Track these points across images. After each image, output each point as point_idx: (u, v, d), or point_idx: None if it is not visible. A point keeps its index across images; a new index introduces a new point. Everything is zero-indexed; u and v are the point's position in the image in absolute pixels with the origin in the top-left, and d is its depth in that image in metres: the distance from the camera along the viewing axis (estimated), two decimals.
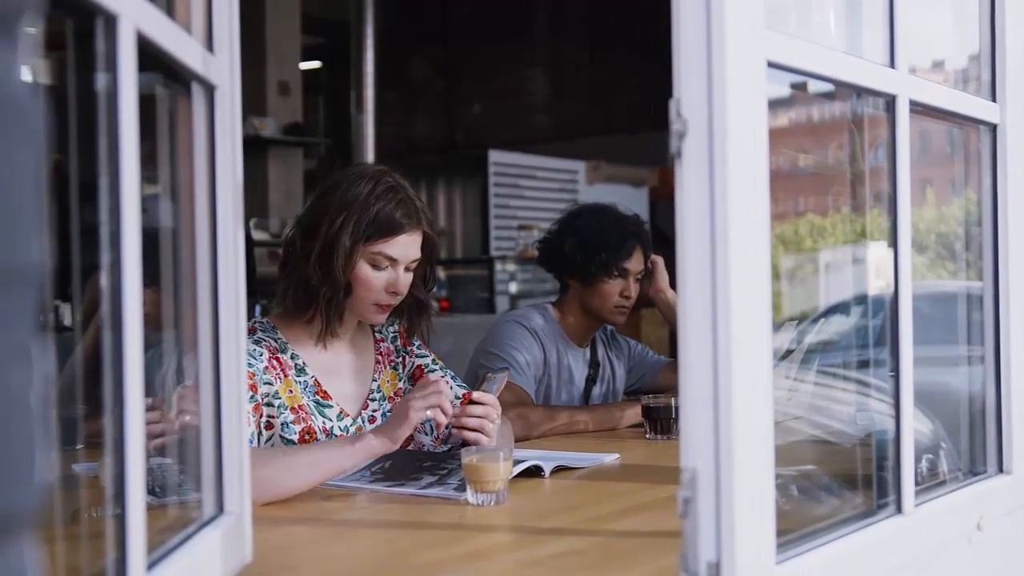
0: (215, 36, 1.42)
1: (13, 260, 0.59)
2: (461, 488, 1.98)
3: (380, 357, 2.48)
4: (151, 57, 1.16)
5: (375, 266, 2.28)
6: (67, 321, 3.19)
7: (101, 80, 1.05)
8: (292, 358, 2.32)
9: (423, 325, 2.47)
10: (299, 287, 2.29)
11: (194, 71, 1.33)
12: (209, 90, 1.40)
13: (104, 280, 1.05)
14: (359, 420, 2.37)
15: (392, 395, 2.45)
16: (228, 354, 1.43)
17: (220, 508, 1.42)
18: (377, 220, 2.25)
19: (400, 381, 2.49)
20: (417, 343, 2.54)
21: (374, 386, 2.43)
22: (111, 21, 1.03)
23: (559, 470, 2.28)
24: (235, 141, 1.44)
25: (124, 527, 1.04)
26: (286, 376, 2.28)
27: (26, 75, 0.61)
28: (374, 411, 2.41)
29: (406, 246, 2.30)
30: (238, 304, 1.44)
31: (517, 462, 2.11)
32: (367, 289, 2.29)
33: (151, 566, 1.13)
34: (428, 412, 2.05)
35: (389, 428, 2.07)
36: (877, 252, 1.91)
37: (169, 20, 1.21)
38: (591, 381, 3.24)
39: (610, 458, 2.45)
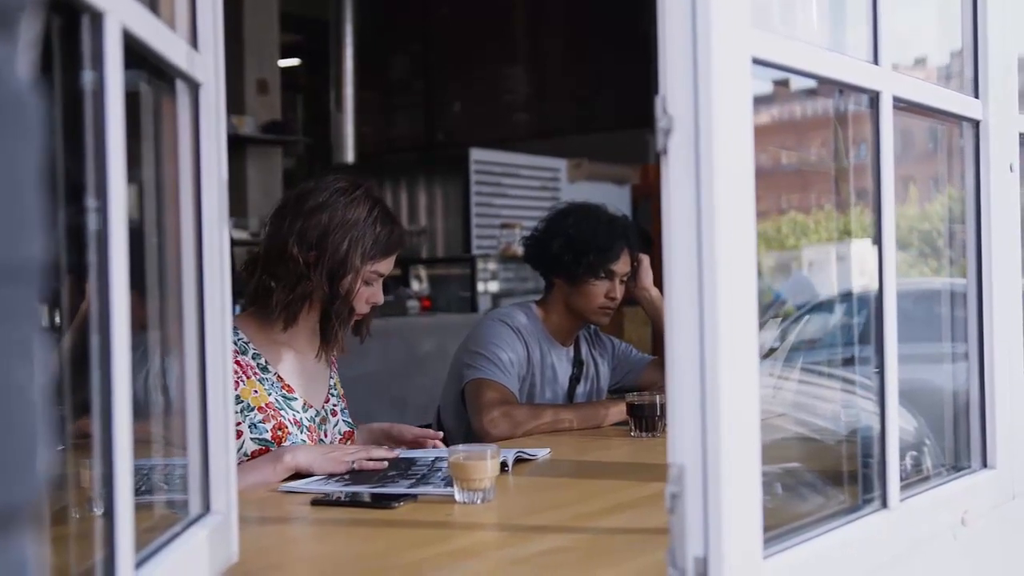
0: (199, 33, 1.41)
1: (16, 256, 0.59)
2: (449, 483, 1.98)
3: (332, 359, 2.60)
4: (135, 54, 1.15)
5: (366, 283, 2.42)
6: (44, 321, 3.18)
7: (87, 77, 1.05)
8: (254, 358, 2.39)
9: (369, 320, 2.54)
10: (301, 301, 2.38)
11: (179, 68, 1.32)
12: (194, 88, 1.39)
13: (91, 280, 1.04)
14: (323, 412, 2.49)
15: (341, 395, 2.61)
16: (214, 354, 1.43)
17: (207, 507, 1.42)
18: (379, 242, 2.40)
19: (341, 387, 2.63)
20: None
21: (331, 383, 2.57)
22: (97, 18, 1.03)
23: (518, 462, 2.33)
24: (220, 139, 1.44)
25: (112, 526, 1.04)
26: (249, 377, 2.36)
27: (25, 72, 0.61)
28: (334, 405, 2.55)
29: (393, 262, 2.48)
30: (224, 303, 1.44)
31: None
32: (356, 304, 2.42)
33: (138, 565, 1.13)
34: (349, 466, 2.22)
35: (318, 455, 2.21)
36: (860, 249, 1.92)
37: (155, 17, 1.21)
38: (575, 380, 3.24)
39: (542, 452, 2.48)
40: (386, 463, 2.24)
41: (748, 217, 1.26)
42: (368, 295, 2.43)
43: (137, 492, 1.14)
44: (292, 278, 2.35)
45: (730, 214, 1.22)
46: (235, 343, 2.35)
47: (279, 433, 2.33)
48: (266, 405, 2.34)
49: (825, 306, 2.68)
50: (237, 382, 2.30)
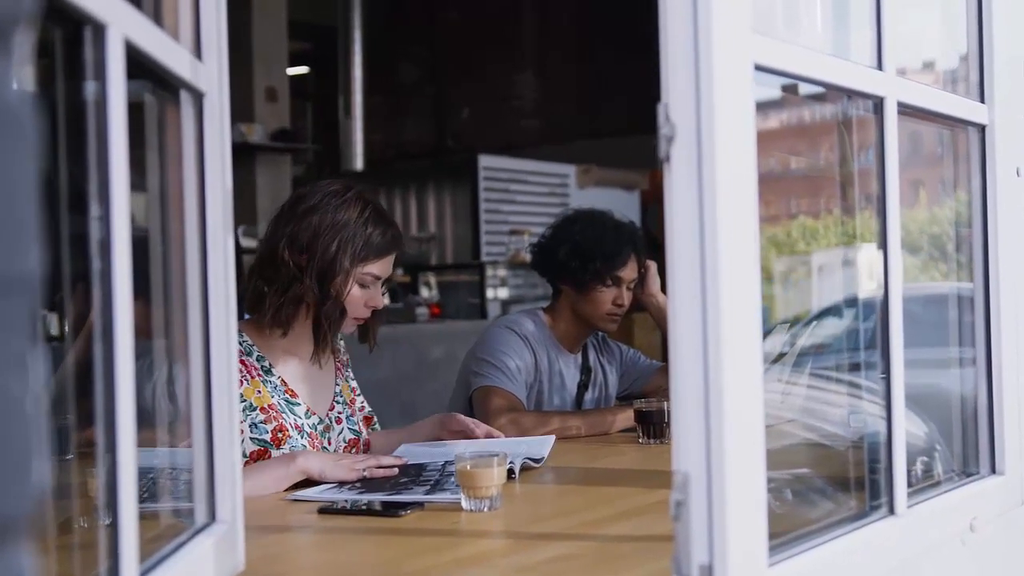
0: (203, 43, 1.41)
1: (11, 268, 0.59)
2: (457, 491, 1.98)
3: (339, 365, 2.60)
4: (139, 65, 1.16)
5: (361, 285, 2.41)
6: (53, 331, 3.19)
7: (90, 88, 1.05)
8: (258, 360, 2.40)
9: (376, 327, 2.54)
10: (292, 304, 2.38)
11: (182, 79, 1.32)
12: (198, 97, 1.40)
13: (95, 289, 1.04)
14: (327, 420, 2.49)
15: (349, 401, 2.59)
16: (219, 362, 1.43)
17: (212, 516, 1.42)
18: (370, 243, 2.39)
19: (351, 392, 2.62)
20: (349, 369, 2.66)
21: (336, 390, 2.56)
22: (100, 30, 1.03)
23: (524, 469, 2.33)
24: (224, 148, 1.44)
25: (117, 535, 1.04)
26: (253, 378, 2.37)
27: (21, 84, 0.61)
28: (339, 413, 2.54)
29: (390, 265, 2.47)
30: (228, 313, 1.44)
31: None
32: (351, 307, 2.41)
33: (143, 574, 1.13)
34: (360, 474, 2.22)
35: (330, 462, 2.21)
36: (869, 254, 1.91)
37: (157, 28, 1.21)
38: (583, 387, 3.24)
39: (548, 444, 2.52)
40: (396, 471, 2.24)
41: (751, 223, 1.26)
42: (366, 298, 2.42)
43: (142, 500, 1.14)
44: (284, 281, 2.36)
45: (733, 220, 1.22)
46: (240, 344, 2.36)
47: (279, 435, 2.33)
48: (268, 406, 2.35)
49: (834, 311, 2.67)
50: (241, 381, 2.30)
